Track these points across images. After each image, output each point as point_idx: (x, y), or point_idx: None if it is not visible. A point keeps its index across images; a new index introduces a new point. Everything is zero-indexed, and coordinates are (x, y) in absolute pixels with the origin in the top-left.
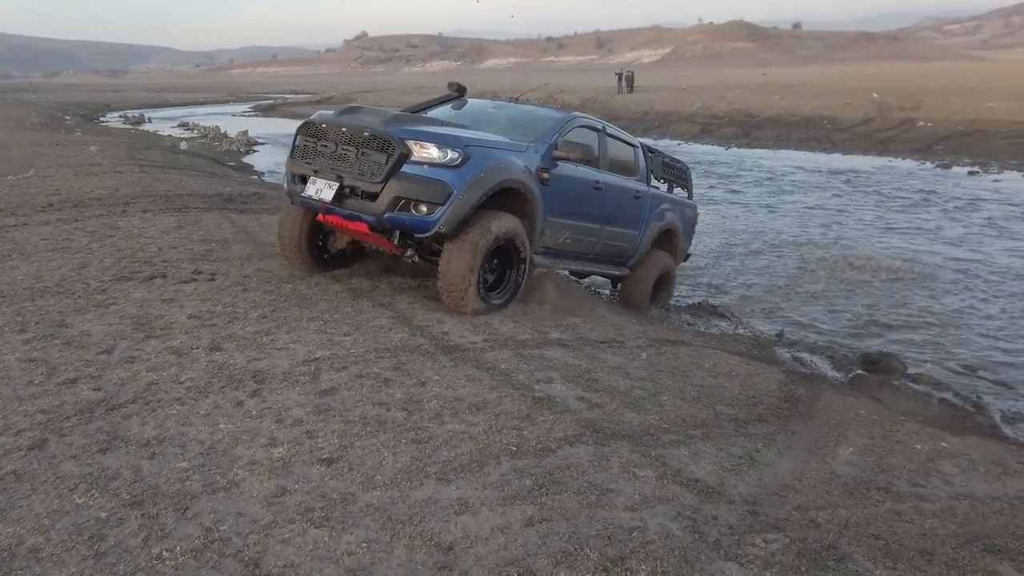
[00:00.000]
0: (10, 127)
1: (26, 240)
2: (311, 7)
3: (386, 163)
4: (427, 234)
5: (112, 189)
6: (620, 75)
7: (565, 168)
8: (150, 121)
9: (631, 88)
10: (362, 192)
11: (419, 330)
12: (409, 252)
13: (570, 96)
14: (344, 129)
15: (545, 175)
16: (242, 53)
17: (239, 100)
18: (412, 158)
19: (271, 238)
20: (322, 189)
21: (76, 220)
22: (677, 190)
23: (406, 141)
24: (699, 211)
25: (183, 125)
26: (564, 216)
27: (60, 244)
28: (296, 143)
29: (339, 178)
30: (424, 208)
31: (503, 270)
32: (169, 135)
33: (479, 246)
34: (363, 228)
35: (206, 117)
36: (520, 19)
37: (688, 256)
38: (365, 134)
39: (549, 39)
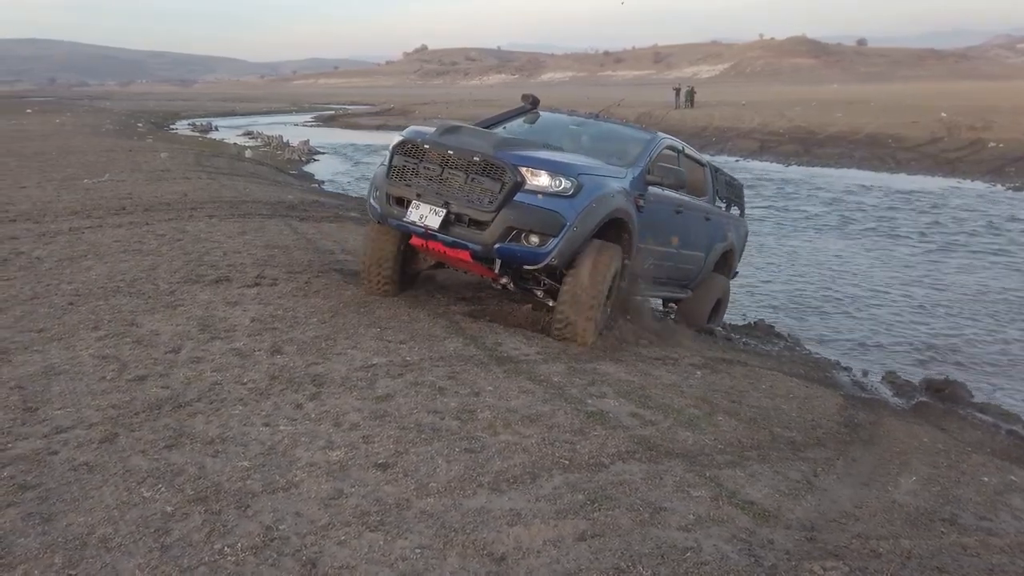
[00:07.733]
0: (86, 133)
1: (100, 241)
2: (371, 21)
3: (500, 191)
4: (538, 266)
5: (181, 194)
6: (677, 90)
7: (653, 192)
8: (217, 129)
9: (691, 103)
10: (470, 220)
11: (473, 340)
12: (504, 280)
13: (625, 110)
14: (451, 152)
15: (641, 201)
16: (304, 65)
17: (301, 110)
18: (526, 187)
19: (331, 245)
20: (426, 215)
21: (147, 223)
22: (732, 208)
23: (520, 168)
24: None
25: (248, 134)
26: (649, 242)
27: (132, 246)
28: (393, 162)
29: (446, 204)
30: (536, 239)
31: None
32: (234, 143)
33: (607, 275)
34: (465, 256)
35: (269, 126)
36: (577, 33)
37: (736, 274)
38: (475, 159)
39: (606, 53)
